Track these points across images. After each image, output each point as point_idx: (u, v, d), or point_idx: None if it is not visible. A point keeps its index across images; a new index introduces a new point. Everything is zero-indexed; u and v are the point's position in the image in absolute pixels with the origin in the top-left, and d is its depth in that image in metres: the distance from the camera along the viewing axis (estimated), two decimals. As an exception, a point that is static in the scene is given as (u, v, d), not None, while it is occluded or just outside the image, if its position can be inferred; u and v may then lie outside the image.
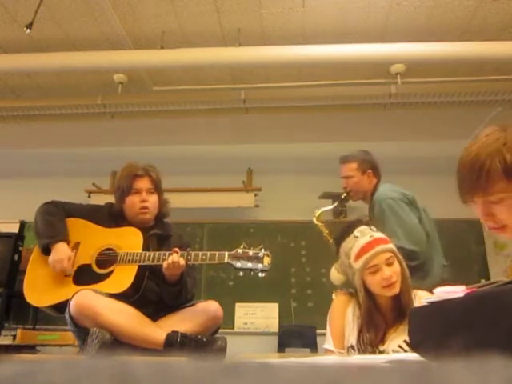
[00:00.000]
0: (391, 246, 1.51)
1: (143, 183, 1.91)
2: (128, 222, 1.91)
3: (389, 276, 1.44)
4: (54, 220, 1.84)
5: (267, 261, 1.72)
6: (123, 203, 1.91)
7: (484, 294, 0.61)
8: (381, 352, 1.43)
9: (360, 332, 1.49)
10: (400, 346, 1.43)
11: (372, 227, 1.56)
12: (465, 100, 3.64)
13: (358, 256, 1.48)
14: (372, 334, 1.46)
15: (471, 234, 4.36)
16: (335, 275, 1.67)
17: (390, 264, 1.47)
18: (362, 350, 1.45)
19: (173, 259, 1.68)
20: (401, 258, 1.51)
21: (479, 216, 1.02)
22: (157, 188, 1.95)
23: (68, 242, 1.81)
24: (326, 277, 4.12)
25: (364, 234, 1.52)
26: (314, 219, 2.40)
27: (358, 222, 1.60)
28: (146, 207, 1.88)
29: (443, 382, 0.23)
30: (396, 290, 1.46)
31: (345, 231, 1.60)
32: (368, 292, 1.49)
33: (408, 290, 1.49)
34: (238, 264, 1.70)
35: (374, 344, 1.45)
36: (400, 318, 1.47)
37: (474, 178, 0.96)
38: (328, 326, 1.59)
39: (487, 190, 0.95)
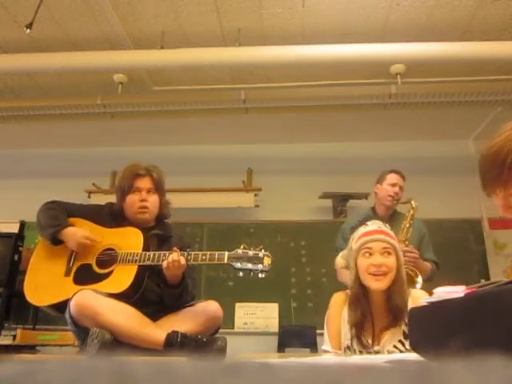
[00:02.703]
0: (394, 242, 1.52)
1: (144, 183, 1.92)
2: (129, 222, 1.91)
3: (378, 263, 1.45)
4: (57, 213, 1.86)
5: (267, 261, 1.71)
6: (124, 202, 1.91)
7: (484, 293, 0.61)
8: (376, 352, 1.43)
9: (351, 327, 1.49)
10: (395, 346, 1.43)
11: (386, 225, 1.60)
12: (465, 100, 3.63)
13: (359, 238, 1.53)
14: (358, 314, 1.46)
15: (471, 233, 4.36)
16: (339, 260, 1.72)
17: (385, 256, 1.48)
18: (357, 343, 1.45)
19: (173, 258, 1.68)
20: (401, 259, 1.51)
21: (500, 208, 1.03)
22: (158, 188, 1.95)
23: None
24: (326, 277, 4.14)
25: (374, 224, 1.58)
26: (413, 206, 2.62)
27: (376, 218, 1.68)
28: (145, 206, 1.89)
29: (443, 382, 0.23)
30: (382, 284, 1.45)
31: (361, 224, 1.66)
32: (358, 278, 1.51)
33: (401, 293, 1.47)
34: (238, 265, 1.70)
35: (360, 331, 1.45)
36: (392, 321, 1.46)
37: (496, 172, 0.97)
38: (325, 327, 1.59)
39: (508, 185, 0.96)
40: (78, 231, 1.80)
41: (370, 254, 1.48)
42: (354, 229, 1.67)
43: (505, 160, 0.95)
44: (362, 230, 1.57)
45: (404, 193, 2.78)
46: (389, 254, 1.48)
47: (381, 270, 1.45)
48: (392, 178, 2.70)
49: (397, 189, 2.66)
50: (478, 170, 1.04)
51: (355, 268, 1.51)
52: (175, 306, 1.79)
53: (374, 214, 2.72)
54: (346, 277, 2.69)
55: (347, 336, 1.50)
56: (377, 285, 1.45)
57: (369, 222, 1.60)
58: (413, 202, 2.63)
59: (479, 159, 1.03)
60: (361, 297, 1.49)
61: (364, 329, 1.47)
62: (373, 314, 1.50)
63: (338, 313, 1.56)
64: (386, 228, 1.58)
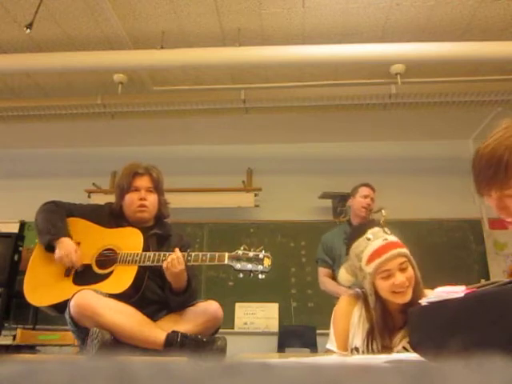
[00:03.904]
0: (405, 250, 1.44)
1: (143, 181, 1.92)
2: (128, 222, 1.91)
3: (402, 282, 1.38)
4: (55, 217, 1.85)
5: (267, 262, 1.71)
6: (122, 201, 1.91)
7: (484, 293, 0.61)
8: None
9: (368, 336, 1.44)
10: (404, 348, 1.41)
11: (386, 229, 1.50)
12: (465, 100, 3.63)
13: (371, 260, 1.42)
14: (387, 340, 1.41)
15: (471, 233, 4.36)
16: (344, 276, 1.59)
17: (403, 269, 1.40)
18: (367, 351, 1.43)
19: (171, 257, 1.68)
20: (414, 262, 1.45)
21: (494, 209, 1.01)
22: (157, 188, 1.95)
23: (71, 238, 1.81)
24: (325, 277, 4.13)
25: (377, 237, 1.45)
26: (384, 215, 2.75)
27: (371, 223, 1.56)
28: (143, 205, 1.88)
29: (443, 382, 0.23)
30: (407, 297, 1.40)
31: (357, 232, 1.55)
32: (379, 297, 1.44)
33: (420, 296, 1.40)
34: (238, 265, 1.70)
35: (386, 348, 1.42)
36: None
37: (492, 172, 0.94)
38: (332, 326, 1.55)
39: (504, 185, 0.94)
40: (65, 247, 1.75)
41: (390, 275, 1.39)
42: (350, 240, 1.55)
43: (501, 159, 0.92)
44: (368, 247, 1.44)
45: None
46: (406, 266, 1.41)
47: (404, 287, 1.39)
48: (364, 190, 2.91)
49: (369, 200, 2.87)
50: (472, 170, 1.01)
51: (374, 289, 1.43)
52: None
53: (350, 227, 2.90)
54: (331, 286, 2.82)
55: (356, 338, 1.46)
56: (403, 300, 1.40)
57: (370, 234, 1.47)
58: (383, 211, 2.75)
59: (473, 159, 1.00)
60: (386, 313, 1.43)
61: (390, 336, 1.43)
62: (392, 318, 1.46)
63: (347, 313, 1.52)
64: (388, 234, 1.48)
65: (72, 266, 1.76)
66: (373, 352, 1.42)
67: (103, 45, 3.33)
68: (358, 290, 1.56)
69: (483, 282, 0.73)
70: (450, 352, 0.57)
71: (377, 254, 1.42)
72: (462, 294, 0.64)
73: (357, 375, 0.24)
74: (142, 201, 1.88)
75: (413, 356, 0.79)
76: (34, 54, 3.29)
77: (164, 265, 1.69)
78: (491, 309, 0.55)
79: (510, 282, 0.58)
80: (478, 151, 0.99)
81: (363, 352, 1.43)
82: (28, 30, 2.57)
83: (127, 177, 1.91)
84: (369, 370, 0.24)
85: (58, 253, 1.75)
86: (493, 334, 0.53)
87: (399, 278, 1.38)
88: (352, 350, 1.46)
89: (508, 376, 0.23)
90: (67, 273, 1.79)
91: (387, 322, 1.44)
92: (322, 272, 2.96)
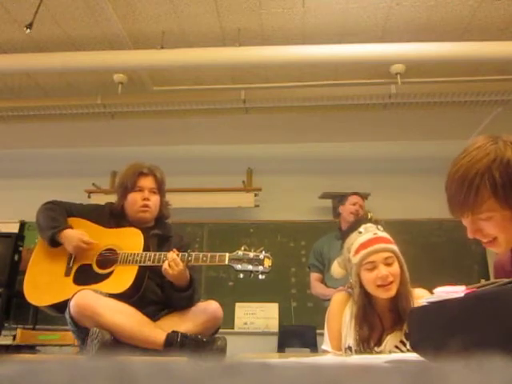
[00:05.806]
0: (393, 246, 1.48)
1: (147, 182, 1.92)
2: (129, 222, 1.91)
3: (384, 275, 1.41)
4: (56, 214, 1.85)
5: (268, 263, 1.71)
6: (125, 200, 1.91)
7: (484, 293, 0.61)
8: (378, 353, 1.42)
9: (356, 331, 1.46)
10: (397, 347, 1.42)
11: (378, 226, 1.54)
12: (465, 100, 3.64)
13: (357, 251, 1.47)
14: (365, 332, 1.43)
15: (471, 233, 4.35)
16: (336, 268, 1.64)
17: (388, 264, 1.44)
18: (359, 350, 1.44)
19: (168, 260, 1.68)
20: (402, 260, 1.47)
21: (468, 231, 1.02)
22: (160, 189, 1.95)
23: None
24: (325, 277, 4.13)
25: (368, 231, 1.51)
26: (369, 217, 2.86)
27: (365, 220, 1.59)
28: (147, 205, 1.89)
29: (443, 382, 0.23)
30: (391, 292, 1.42)
31: (351, 226, 1.59)
32: (363, 289, 1.47)
33: (406, 295, 1.45)
34: (239, 266, 1.70)
35: (367, 341, 1.43)
36: (398, 322, 1.44)
37: (463, 196, 0.94)
38: (326, 327, 1.57)
39: (476, 209, 0.94)
40: (76, 234, 1.78)
41: (374, 267, 1.43)
42: (345, 234, 1.60)
43: (471, 184, 0.92)
44: (357, 239, 1.49)
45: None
46: (392, 261, 1.44)
47: (388, 281, 1.42)
48: (353, 198, 3.11)
49: (357, 206, 3.06)
50: (446, 192, 1.00)
51: (359, 281, 1.46)
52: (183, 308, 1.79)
53: (340, 232, 2.96)
54: (319, 289, 2.95)
55: (348, 337, 1.48)
56: (386, 294, 1.43)
57: (361, 228, 1.52)
58: (369, 214, 2.95)
59: (446, 182, 0.99)
60: (367, 308, 1.45)
61: (371, 335, 1.44)
62: (380, 316, 1.48)
63: (339, 313, 1.54)
64: (380, 230, 1.52)
65: (90, 247, 1.77)
66: (361, 347, 1.43)
67: (103, 45, 3.33)
68: (349, 290, 1.58)
69: (483, 282, 0.73)
70: (450, 352, 0.57)
71: (364, 246, 1.47)
72: (461, 294, 0.64)
73: (357, 375, 0.24)
74: (145, 201, 1.88)
75: (412, 356, 0.79)
76: (34, 54, 3.29)
77: (165, 265, 1.69)
78: (491, 309, 0.55)
79: (510, 282, 0.58)
80: (450, 174, 0.98)
81: (356, 351, 1.43)
82: (28, 30, 2.57)
83: (132, 176, 1.91)
84: (369, 369, 0.24)
85: (69, 245, 1.76)
86: (493, 334, 0.53)
87: (382, 270, 1.42)
88: (345, 349, 1.47)
89: (508, 376, 0.23)
90: (67, 272, 1.79)
91: (369, 315, 1.46)
92: (314, 277, 3.06)
